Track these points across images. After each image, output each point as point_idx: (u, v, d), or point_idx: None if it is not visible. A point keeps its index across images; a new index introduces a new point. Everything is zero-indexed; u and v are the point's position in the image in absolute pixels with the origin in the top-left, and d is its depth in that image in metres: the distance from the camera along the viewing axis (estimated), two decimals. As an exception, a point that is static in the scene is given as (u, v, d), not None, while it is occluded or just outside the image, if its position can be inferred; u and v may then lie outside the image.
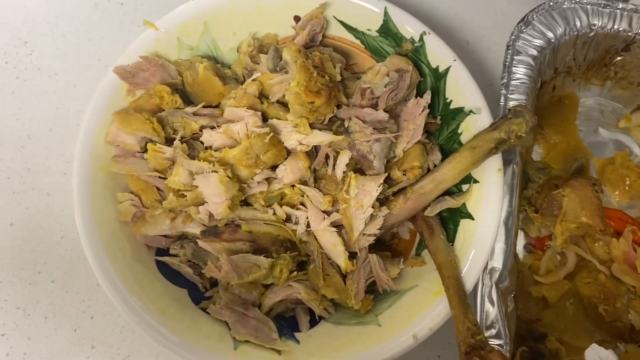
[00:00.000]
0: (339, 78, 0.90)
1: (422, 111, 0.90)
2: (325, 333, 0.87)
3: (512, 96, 0.97)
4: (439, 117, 0.96)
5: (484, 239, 0.87)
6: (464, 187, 0.91)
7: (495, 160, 0.88)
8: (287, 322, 0.90)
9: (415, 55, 0.96)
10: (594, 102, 1.18)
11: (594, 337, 1.02)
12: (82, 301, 1.02)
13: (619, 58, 1.09)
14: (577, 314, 1.03)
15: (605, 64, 1.11)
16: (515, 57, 1.00)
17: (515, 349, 0.97)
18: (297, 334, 0.87)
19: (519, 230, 1.09)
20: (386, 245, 0.98)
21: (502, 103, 0.97)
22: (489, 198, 0.88)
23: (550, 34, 1.02)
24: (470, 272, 0.86)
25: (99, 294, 0.99)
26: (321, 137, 0.85)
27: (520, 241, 1.08)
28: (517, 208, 0.92)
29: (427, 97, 0.91)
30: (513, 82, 0.99)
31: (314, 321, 0.90)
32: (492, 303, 0.87)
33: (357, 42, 1.01)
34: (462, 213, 0.90)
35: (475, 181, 0.90)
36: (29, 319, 1.01)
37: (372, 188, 0.84)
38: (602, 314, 1.00)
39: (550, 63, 1.06)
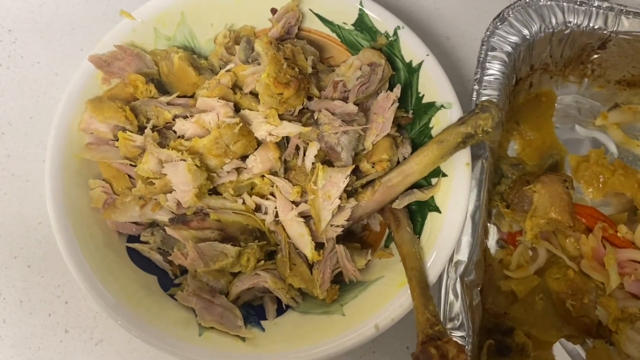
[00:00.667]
0: (309, 70, 0.90)
1: (392, 104, 0.91)
2: (291, 322, 0.89)
3: (484, 92, 0.98)
4: (411, 111, 0.97)
5: (450, 232, 0.88)
6: (433, 180, 0.92)
7: (464, 155, 0.89)
8: (255, 311, 0.91)
9: (390, 50, 0.97)
10: (571, 100, 1.18)
11: (562, 332, 1.03)
12: (57, 286, 1.03)
13: (595, 56, 1.09)
14: (545, 308, 1.04)
15: (582, 61, 1.11)
16: (489, 53, 1.01)
17: (483, 342, 0.99)
18: (263, 322, 0.89)
19: (492, 225, 1.10)
20: (357, 237, 0.99)
21: (474, 98, 0.98)
22: (457, 192, 0.89)
23: (525, 31, 1.03)
24: (435, 264, 0.87)
25: (74, 279, 1.00)
26: (290, 129, 0.86)
27: (493, 236, 1.09)
28: (485, 202, 0.93)
29: (397, 90, 0.92)
30: (486, 78, 0.99)
31: (281, 310, 0.91)
32: (456, 295, 0.88)
33: (333, 35, 1.02)
34: (430, 206, 0.91)
35: (444, 175, 0.91)
36: (4, 303, 1.02)
37: (339, 179, 0.85)
38: (570, 309, 1.01)
39: (525, 60, 1.06)
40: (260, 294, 0.92)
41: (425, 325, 0.77)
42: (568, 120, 1.17)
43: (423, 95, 0.96)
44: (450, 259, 0.89)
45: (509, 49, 1.01)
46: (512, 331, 1.01)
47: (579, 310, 1.01)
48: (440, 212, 0.89)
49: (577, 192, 1.12)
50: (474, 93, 0.98)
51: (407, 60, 0.96)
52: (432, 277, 0.86)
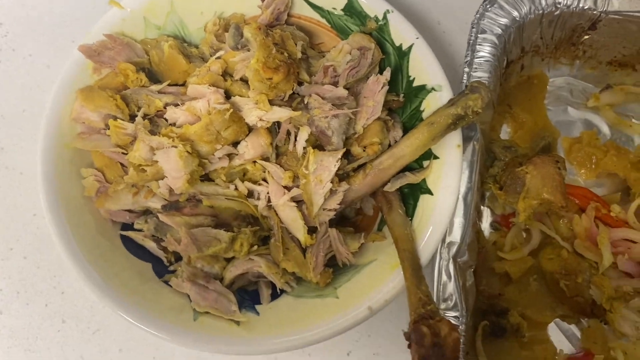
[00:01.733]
0: (299, 55, 0.91)
1: (382, 88, 0.91)
2: (285, 305, 0.89)
3: (475, 74, 0.98)
4: (401, 95, 0.97)
5: (442, 214, 0.88)
6: (425, 163, 0.92)
7: (455, 137, 0.90)
8: (249, 296, 0.92)
9: (379, 34, 0.97)
10: (563, 82, 1.18)
11: (557, 312, 1.03)
12: (54, 277, 1.04)
13: (586, 37, 1.09)
14: (540, 289, 1.04)
15: (573, 43, 1.11)
16: (479, 36, 1.01)
17: (478, 324, 0.99)
18: (257, 306, 0.89)
19: (486, 208, 1.10)
20: (350, 222, 1.00)
21: (464, 81, 0.98)
22: (448, 174, 0.89)
23: (515, 13, 1.02)
24: (427, 246, 0.87)
25: (70, 270, 1.01)
26: (280, 113, 0.86)
27: (487, 219, 1.10)
28: (477, 184, 0.94)
29: (387, 74, 0.92)
30: (477, 60, 0.99)
31: (275, 294, 0.91)
32: (449, 276, 0.88)
33: (323, 21, 1.02)
34: (422, 188, 0.91)
35: (435, 157, 0.91)
36: (1, 294, 1.03)
37: (330, 163, 0.86)
38: (564, 289, 1.01)
39: (516, 42, 1.06)
40: (254, 279, 0.92)
41: (418, 305, 0.78)
42: (560, 102, 1.17)
43: (414, 78, 0.96)
44: (443, 240, 0.89)
45: (499, 31, 1.01)
46: (506, 312, 1.01)
47: (573, 290, 1.01)
48: (432, 194, 0.90)
49: (570, 173, 1.13)
50: (464, 75, 0.98)
51: (397, 44, 0.96)
52: (424, 259, 0.86)
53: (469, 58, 0.99)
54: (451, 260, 0.89)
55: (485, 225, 1.09)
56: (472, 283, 0.94)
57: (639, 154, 1.10)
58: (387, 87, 0.91)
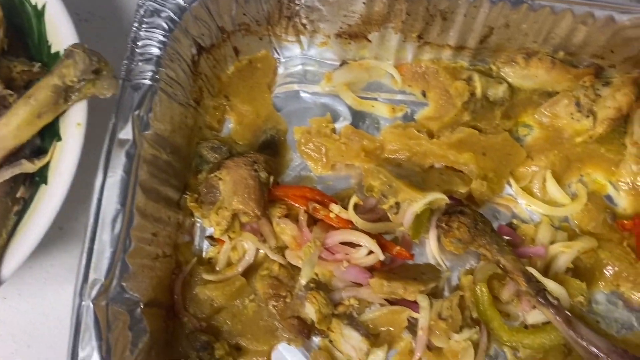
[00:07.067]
0: None
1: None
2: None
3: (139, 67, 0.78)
4: (38, 64, 0.75)
5: (50, 206, 0.67)
6: (54, 147, 0.71)
7: (77, 114, 0.70)
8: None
9: (14, -7, 0.77)
10: (298, 63, 0.99)
11: (280, 337, 0.82)
12: None
13: (297, 6, 0.90)
14: (259, 312, 0.82)
15: (288, 16, 0.92)
16: (145, 20, 0.80)
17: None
18: None
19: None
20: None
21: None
22: (64, 158, 0.69)
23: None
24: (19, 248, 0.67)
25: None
26: None
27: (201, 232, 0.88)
28: (134, 204, 0.72)
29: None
30: (139, 51, 0.79)
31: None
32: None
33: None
34: (42, 177, 0.70)
35: (59, 139, 0.70)
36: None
37: None
38: (274, 311, 0.80)
39: (203, 23, 0.86)
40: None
41: None
42: (292, 87, 0.98)
43: (51, 44, 0.76)
44: (86, 279, 0.68)
45: (168, 13, 0.82)
46: (209, 346, 0.78)
47: (284, 311, 0.80)
48: (47, 183, 0.68)
49: (304, 169, 0.93)
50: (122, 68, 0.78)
51: (34, 2, 0.77)
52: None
53: (129, 50, 0.79)
54: (92, 305, 0.67)
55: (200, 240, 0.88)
56: (140, 324, 0.73)
57: (373, 140, 0.92)
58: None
